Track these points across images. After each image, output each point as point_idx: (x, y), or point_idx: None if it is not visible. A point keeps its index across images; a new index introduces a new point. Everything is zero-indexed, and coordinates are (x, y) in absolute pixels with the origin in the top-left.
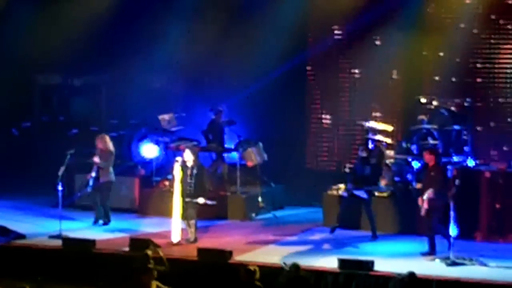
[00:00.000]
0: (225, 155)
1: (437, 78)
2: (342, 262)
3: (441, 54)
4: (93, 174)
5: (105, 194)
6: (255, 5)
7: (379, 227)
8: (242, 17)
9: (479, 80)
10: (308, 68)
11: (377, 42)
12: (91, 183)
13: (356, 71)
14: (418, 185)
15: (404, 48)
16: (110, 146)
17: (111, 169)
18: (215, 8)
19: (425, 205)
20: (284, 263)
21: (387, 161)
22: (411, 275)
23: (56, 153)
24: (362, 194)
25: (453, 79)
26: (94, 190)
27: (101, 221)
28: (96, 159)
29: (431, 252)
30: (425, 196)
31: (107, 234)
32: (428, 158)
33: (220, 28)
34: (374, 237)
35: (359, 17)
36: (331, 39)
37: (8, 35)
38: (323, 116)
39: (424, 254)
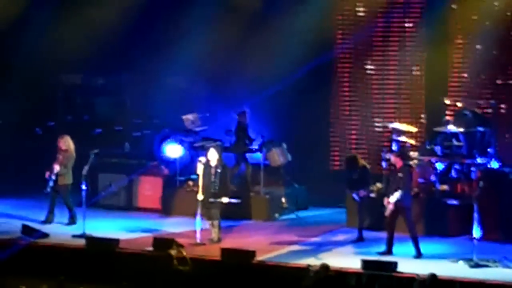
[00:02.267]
0: (248, 155)
1: (462, 80)
2: (365, 263)
3: (467, 55)
4: (53, 177)
5: (65, 196)
6: (280, 4)
7: (403, 228)
8: (267, 17)
9: (502, 81)
10: (333, 68)
11: (403, 42)
12: (51, 183)
13: (381, 72)
14: (442, 187)
15: (429, 49)
16: (72, 147)
17: (70, 172)
18: (238, 8)
19: (391, 207)
20: (309, 265)
21: (411, 163)
22: (432, 276)
23: (80, 152)
24: (355, 196)
25: (478, 81)
26: (53, 191)
27: (65, 221)
28: (57, 166)
29: (389, 251)
30: (393, 199)
31: (131, 233)
32: (395, 160)
33: (244, 27)
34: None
35: (384, 16)
36: (357, 39)
37: (32, 36)
38: (347, 116)
39: (381, 253)
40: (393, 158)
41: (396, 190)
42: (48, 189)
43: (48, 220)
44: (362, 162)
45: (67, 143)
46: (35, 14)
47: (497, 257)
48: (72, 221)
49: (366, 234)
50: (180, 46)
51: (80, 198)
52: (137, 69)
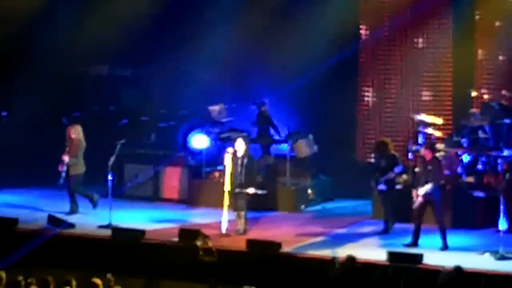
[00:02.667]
0: (273, 146)
1: (489, 71)
2: (391, 255)
3: (494, 47)
4: (65, 168)
5: (75, 185)
6: None
7: (430, 220)
8: (291, 8)
9: None
10: (358, 59)
11: (430, 34)
12: (63, 175)
13: (407, 63)
14: (469, 179)
15: (455, 41)
16: (81, 136)
17: (81, 161)
18: (263, 0)
19: (420, 199)
20: (334, 257)
21: (437, 155)
22: (458, 268)
23: (106, 143)
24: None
25: (505, 73)
26: (67, 182)
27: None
28: (66, 157)
29: (415, 243)
30: (422, 191)
31: (157, 224)
32: (425, 152)
33: (269, 18)
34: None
35: (410, 7)
36: (382, 30)
37: (59, 27)
38: (373, 108)
39: (407, 245)
40: (422, 151)
41: (425, 183)
42: (61, 181)
43: (72, 211)
44: (392, 149)
45: (77, 131)
46: (62, 4)
47: None
48: (72, 211)
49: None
50: (206, 37)
51: (106, 188)
52: (163, 60)
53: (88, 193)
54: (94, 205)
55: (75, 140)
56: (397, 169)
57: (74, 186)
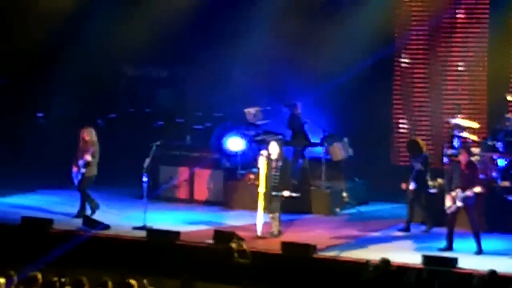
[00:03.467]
0: (308, 149)
1: None
2: (426, 258)
3: None
4: (82, 170)
5: (86, 186)
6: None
7: (464, 224)
8: (327, 10)
9: None
10: (394, 62)
11: (466, 37)
12: (80, 177)
13: (442, 66)
14: (504, 183)
15: (491, 44)
16: (95, 138)
17: (96, 164)
18: (300, 2)
19: (460, 203)
20: (368, 260)
21: (473, 159)
22: (492, 272)
23: (141, 144)
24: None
25: None
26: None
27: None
28: (89, 157)
29: (449, 247)
30: (460, 197)
31: (192, 226)
32: (462, 156)
33: (304, 21)
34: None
35: (446, 10)
36: (418, 33)
37: (95, 28)
38: (409, 111)
39: (442, 249)
40: (459, 155)
41: (462, 188)
42: (76, 182)
43: (94, 211)
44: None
45: (91, 134)
46: (99, 5)
47: None
48: (81, 213)
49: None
50: (242, 39)
51: (141, 190)
52: (199, 61)
53: (91, 198)
54: (93, 212)
55: (90, 142)
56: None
57: (86, 186)
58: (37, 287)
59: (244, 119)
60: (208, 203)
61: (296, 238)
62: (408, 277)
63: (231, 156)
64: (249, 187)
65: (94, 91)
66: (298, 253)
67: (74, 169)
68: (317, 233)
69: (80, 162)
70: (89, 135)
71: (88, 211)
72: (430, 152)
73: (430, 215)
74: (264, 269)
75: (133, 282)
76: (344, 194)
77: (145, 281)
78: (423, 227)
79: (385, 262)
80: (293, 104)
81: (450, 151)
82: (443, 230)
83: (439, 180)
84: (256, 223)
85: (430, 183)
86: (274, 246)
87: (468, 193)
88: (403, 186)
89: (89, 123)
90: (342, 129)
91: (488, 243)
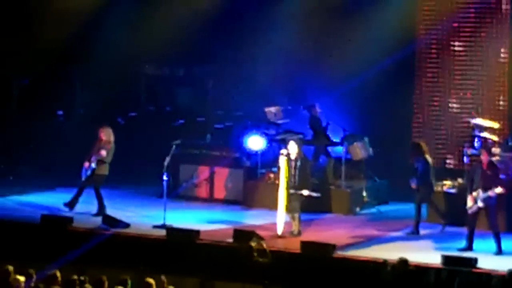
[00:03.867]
0: (330, 149)
1: None
2: (445, 259)
3: None
4: (93, 165)
5: (99, 186)
6: None
7: (484, 224)
8: (349, 10)
9: None
10: (414, 61)
11: (485, 38)
12: (89, 173)
13: (463, 66)
14: None
15: None
16: (112, 139)
17: (108, 163)
18: (319, 2)
19: (481, 204)
20: (386, 260)
21: (493, 159)
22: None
23: (161, 143)
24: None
25: None
26: (86, 181)
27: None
28: (103, 152)
29: (469, 247)
30: (482, 198)
31: (211, 225)
32: (483, 157)
33: (324, 21)
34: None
35: (467, 10)
36: (439, 32)
37: (117, 26)
38: (429, 110)
39: (462, 249)
40: (482, 156)
41: (483, 188)
42: (84, 177)
43: (71, 206)
44: (426, 152)
45: (108, 133)
46: (120, 4)
47: None
48: (101, 211)
49: (446, 229)
50: (263, 38)
51: (162, 189)
52: (219, 61)
53: (102, 199)
54: (99, 213)
55: (106, 142)
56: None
57: (99, 186)
58: (57, 285)
59: (264, 118)
60: (228, 202)
61: (316, 237)
62: (427, 277)
63: (251, 155)
64: (269, 186)
65: (114, 90)
66: (318, 252)
67: (86, 164)
68: (337, 233)
69: (93, 158)
70: (106, 135)
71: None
72: (447, 152)
73: (440, 213)
74: (284, 268)
75: (151, 281)
76: (364, 194)
77: (163, 277)
78: (441, 227)
79: (403, 262)
80: (311, 106)
81: (470, 151)
82: (463, 230)
83: (459, 180)
84: (276, 222)
85: (447, 182)
86: (293, 245)
87: (490, 193)
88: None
89: (109, 122)
90: (362, 129)
91: (508, 243)
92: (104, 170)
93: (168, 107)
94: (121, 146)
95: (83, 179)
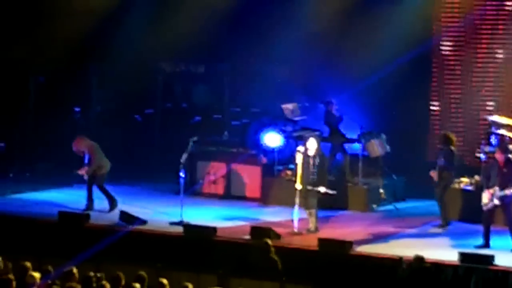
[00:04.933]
0: (347, 146)
1: None
2: (462, 256)
3: None
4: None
5: (101, 183)
6: None
7: (501, 222)
8: (364, 6)
9: None
10: (431, 59)
11: (502, 35)
12: (85, 178)
13: (479, 64)
14: None
15: None
16: (87, 143)
17: (103, 159)
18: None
19: (497, 201)
20: (401, 257)
21: (510, 156)
22: None
23: (178, 140)
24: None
25: None
26: (89, 181)
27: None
28: (82, 171)
29: (486, 244)
30: (498, 195)
31: (228, 222)
32: (500, 154)
33: (341, 18)
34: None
35: (484, 8)
36: (456, 30)
37: (133, 25)
38: (446, 107)
39: (479, 246)
40: (497, 154)
41: (500, 186)
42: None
43: (88, 208)
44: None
45: (82, 144)
46: (137, 2)
47: None
48: (113, 206)
49: (463, 226)
50: (279, 35)
51: (178, 185)
52: (236, 57)
53: (91, 197)
54: (112, 207)
55: (87, 152)
56: (439, 161)
57: (100, 182)
58: (74, 282)
59: (281, 115)
60: (245, 199)
61: (333, 234)
62: (444, 274)
63: (268, 152)
64: (286, 183)
65: (131, 87)
66: (335, 249)
67: (81, 172)
68: (354, 230)
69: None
70: (82, 146)
71: (107, 205)
72: (464, 149)
73: (444, 214)
74: (301, 265)
75: (164, 281)
76: (381, 191)
77: (164, 280)
78: (459, 224)
79: (419, 259)
80: (329, 102)
81: (487, 149)
82: (479, 227)
83: (476, 177)
84: (293, 219)
85: (464, 179)
86: (310, 242)
87: (507, 191)
88: (432, 174)
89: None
90: (379, 126)
91: None
92: (103, 169)
93: (185, 104)
94: (138, 143)
95: (85, 178)
